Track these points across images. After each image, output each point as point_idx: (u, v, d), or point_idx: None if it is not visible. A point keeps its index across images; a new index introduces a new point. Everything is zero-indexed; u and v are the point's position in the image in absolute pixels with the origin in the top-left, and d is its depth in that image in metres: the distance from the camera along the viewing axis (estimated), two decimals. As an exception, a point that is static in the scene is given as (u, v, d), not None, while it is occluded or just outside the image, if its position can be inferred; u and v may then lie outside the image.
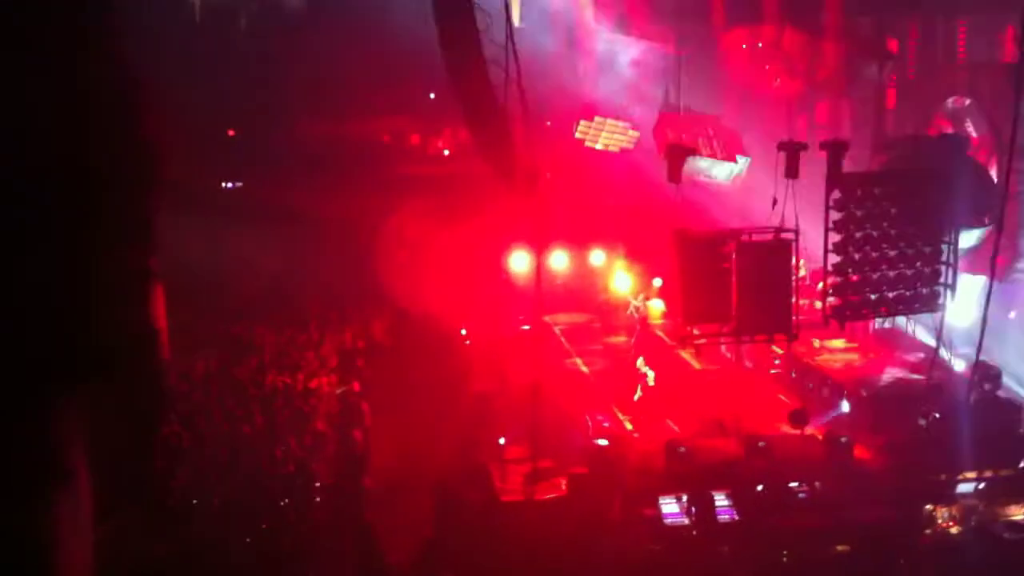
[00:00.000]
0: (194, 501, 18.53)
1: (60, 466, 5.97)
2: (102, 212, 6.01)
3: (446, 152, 33.63)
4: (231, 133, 32.21)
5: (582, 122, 28.72)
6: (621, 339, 25.22)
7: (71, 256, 5.86)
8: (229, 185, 31.47)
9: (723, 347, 22.19)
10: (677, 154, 22.98)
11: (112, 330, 6.17)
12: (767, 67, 27.32)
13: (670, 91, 26.94)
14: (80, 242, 5.95)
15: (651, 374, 22.67)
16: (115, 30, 6.22)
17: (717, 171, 25.29)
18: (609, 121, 28.67)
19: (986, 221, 21.61)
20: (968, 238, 21.87)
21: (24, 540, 5.80)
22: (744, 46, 27.64)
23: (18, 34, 5.57)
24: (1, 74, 5.46)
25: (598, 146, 28.81)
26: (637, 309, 24.92)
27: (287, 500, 19.25)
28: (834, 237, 20.32)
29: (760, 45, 27.37)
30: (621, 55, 27.78)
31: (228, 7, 34.36)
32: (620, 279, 27.50)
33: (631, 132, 28.58)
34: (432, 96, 31.53)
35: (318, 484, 20.04)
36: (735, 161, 25.17)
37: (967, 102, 24.49)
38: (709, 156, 24.50)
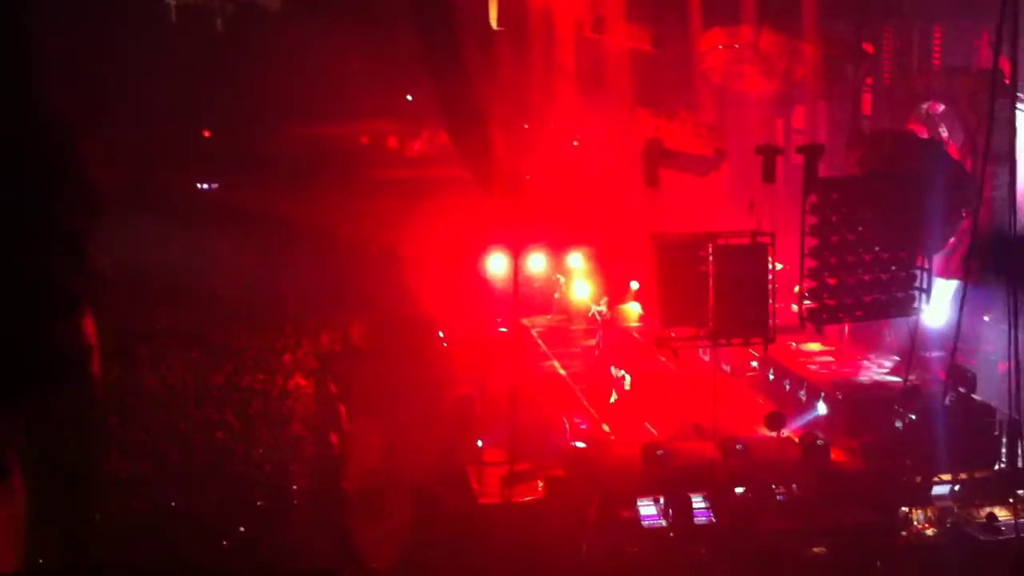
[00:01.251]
0: (172, 504, 18.45)
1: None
2: (36, 238, 6.09)
3: (423, 155, 33.63)
4: (207, 134, 32.04)
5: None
6: (593, 342, 25.34)
7: (6, 278, 5.96)
8: (205, 187, 31.32)
9: (700, 350, 22.25)
10: (654, 156, 23.10)
11: (46, 346, 6.27)
12: (744, 68, 27.44)
13: (646, 90, 27.03)
14: (16, 266, 6.04)
15: (627, 378, 22.75)
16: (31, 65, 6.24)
17: (693, 167, 25.33)
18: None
19: (963, 214, 21.73)
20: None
21: None
22: (720, 47, 27.76)
23: None
24: None
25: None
26: (600, 314, 25.09)
27: (263, 502, 19.20)
28: (810, 241, 20.45)
29: (737, 46, 27.50)
30: (598, 55, 27.86)
31: (204, 8, 34.21)
32: (579, 286, 27.71)
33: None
34: (410, 98, 31.48)
35: (295, 487, 19.99)
36: (711, 154, 25.25)
37: (942, 107, 24.65)
38: (687, 150, 24.56)
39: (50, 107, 6.20)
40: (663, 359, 23.15)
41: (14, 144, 6.08)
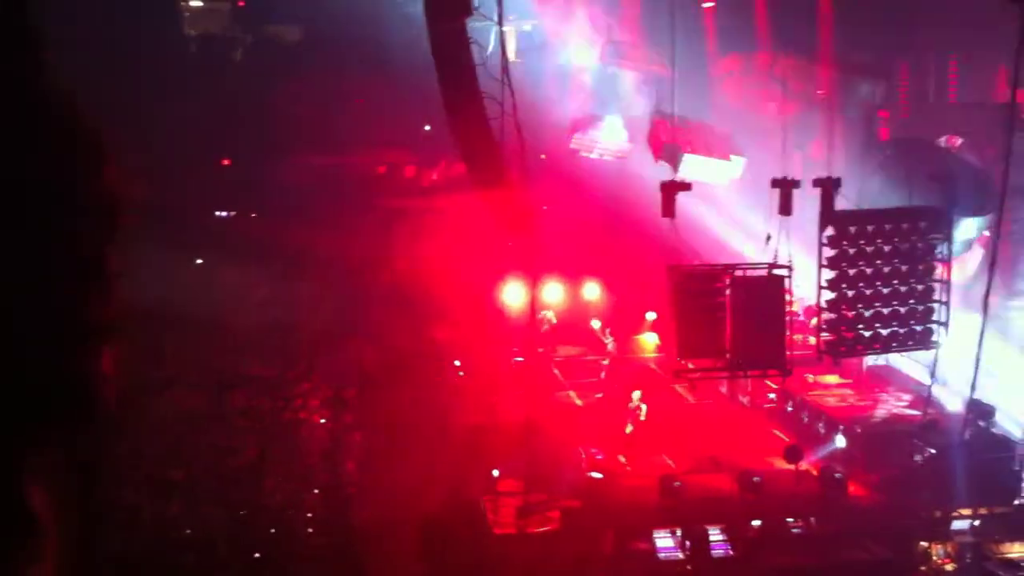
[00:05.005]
0: (187, 532, 18.38)
1: (31, 522, 5.96)
2: (64, 267, 6.04)
3: (439, 184, 33.75)
4: (226, 163, 32.21)
5: (576, 135, 28.99)
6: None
7: (32, 307, 5.90)
8: (223, 214, 31.45)
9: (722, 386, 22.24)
10: (671, 190, 23.07)
11: (61, 384, 6.20)
12: (761, 92, 27.55)
13: (663, 105, 27.20)
14: (41, 294, 5.99)
15: (643, 408, 22.62)
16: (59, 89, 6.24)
17: (711, 172, 25.28)
18: (603, 132, 28.94)
19: (986, 209, 21.64)
20: (967, 229, 21.89)
21: None
22: (734, 72, 27.92)
23: None
24: None
25: (593, 155, 29.03)
26: (606, 344, 25.23)
27: (275, 530, 19.11)
28: (827, 273, 20.39)
29: (753, 72, 27.66)
30: (615, 79, 28.07)
31: (224, 38, 34.49)
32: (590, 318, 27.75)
33: (624, 144, 28.82)
34: (427, 128, 31.59)
35: (309, 515, 19.90)
36: (728, 159, 25.23)
37: (959, 141, 24.65)
38: (703, 154, 24.56)
39: (81, 126, 6.19)
40: (680, 390, 23.06)
41: (41, 163, 6.06)
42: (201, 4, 33.40)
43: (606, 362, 26.21)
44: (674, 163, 23.35)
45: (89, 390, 6.27)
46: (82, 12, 24.22)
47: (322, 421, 23.73)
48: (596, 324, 27.20)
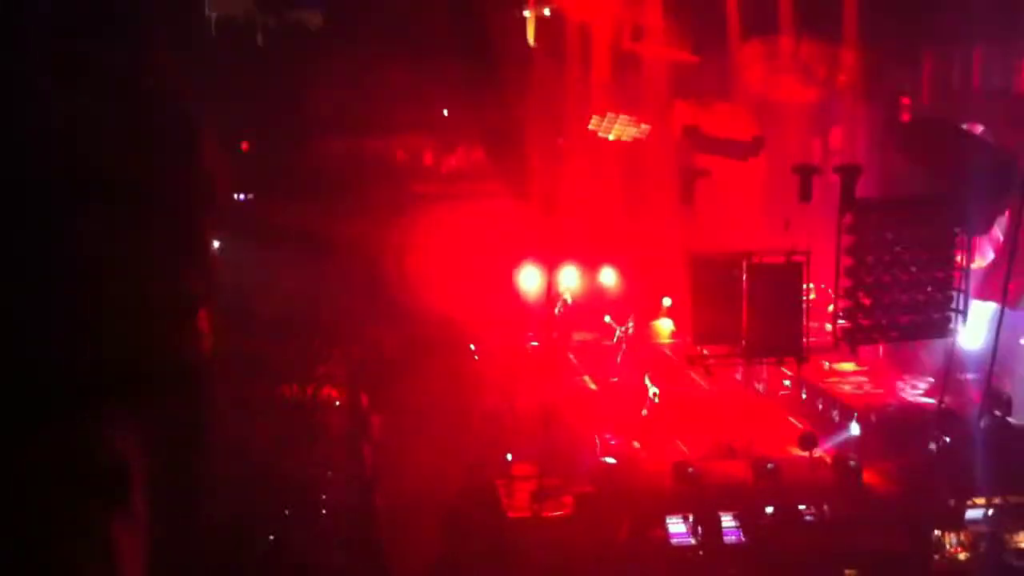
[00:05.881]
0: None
1: (119, 487, 5.98)
2: (161, 238, 6.08)
3: (458, 170, 33.77)
4: (245, 147, 32.26)
5: (595, 117, 28.98)
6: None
7: (128, 281, 5.92)
8: (241, 197, 31.54)
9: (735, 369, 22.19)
10: (690, 176, 23.06)
11: (165, 355, 6.22)
12: (784, 77, 27.46)
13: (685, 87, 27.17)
14: (138, 267, 6.04)
15: (655, 391, 22.58)
16: (171, 65, 6.35)
17: (730, 151, 25.24)
18: (621, 116, 28.89)
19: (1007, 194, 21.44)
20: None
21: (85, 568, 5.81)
22: (756, 57, 27.84)
23: (83, 63, 5.68)
24: (69, 103, 5.54)
25: (611, 137, 29.01)
26: (624, 330, 25.23)
27: (291, 512, 19.21)
28: (845, 260, 20.32)
29: (775, 56, 27.56)
30: (635, 62, 28.04)
31: (245, 22, 34.49)
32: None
33: (643, 125, 28.76)
34: (446, 113, 31.60)
35: (325, 497, 20.02)
36: (750, 139, 25.17)
37: (980, 128, 24.43)
38: (725, 135, 24.53)
39: (177, 104, 6.31)
40: (695, 376, 23.05)
41: (143, 138, 6.14)
42: (223, -13, 33.42)
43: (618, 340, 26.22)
44: (693, 143, 23.28)
45: (185, 361, 6.28)
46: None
47: (338, 404, 23.85)
48: (608, 319, 27.25)
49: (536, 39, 29.83)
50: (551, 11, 30.47)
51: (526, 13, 29.27)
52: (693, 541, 18.29)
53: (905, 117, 28.04)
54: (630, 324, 25.93)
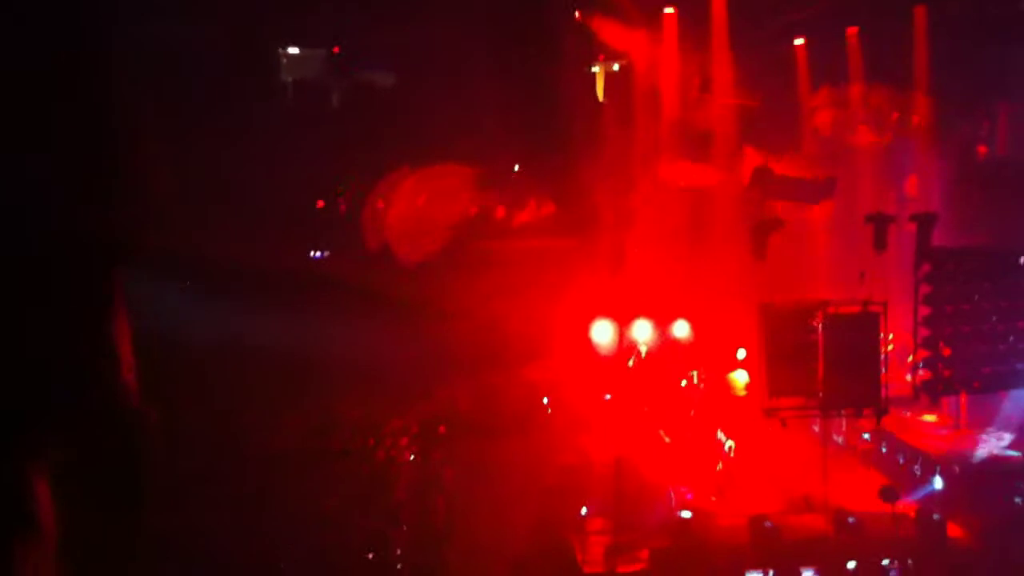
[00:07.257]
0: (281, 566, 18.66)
1: (28, 514, 6.09)
2: (89, 282, 6.23)
3: (529, 225, 33.99)
4: (320, 205, 32.89)
5: (665, 166, 29.08)
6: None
7: (53, 323, 6.10)
8: (317, 255, 32.09)
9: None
10: (763, 230, 23.00)
11: (84, 388, 6.35)
12: (856, 123, 27.35)
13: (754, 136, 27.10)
14: (65, 308, 6.21)
15: (731, 444, 22.35)
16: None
17: (804, 189, 25.08)
18: (691, 164, 28.96)
19: None
20: None
21: None
22: (830, 102, 27.79)
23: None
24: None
25: (681, 186, 29.11)
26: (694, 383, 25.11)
27: (365, 568, 19.23)
28: (923, 310, 20.02)
29: (847, 102, 27.51)
30: (706, 116, 28.15)
31: (320, 86, 35.30)
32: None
33: (713, 175, 28.79)
34: (517, 169, 31.91)
35: (399, 552, 20.04)
36: (823, 179, 25.01)
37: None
38: (796, 175, 24.43)
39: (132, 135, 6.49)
40: (770, 430, 22.73)
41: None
42: (297, 51, 34.26)
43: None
44: (763, 185, 23.17)
45: (94, 372, 6.38)
46: (184, 62, 25.05)
47: (411, 458, 23.94)
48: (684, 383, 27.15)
49: (605, 94, 30.06)
50: (620, 66, 30.73)
51: (595, 68, 29.52)
52: (773, 597, 17.95)
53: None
54: (698, 375, 25.72)
